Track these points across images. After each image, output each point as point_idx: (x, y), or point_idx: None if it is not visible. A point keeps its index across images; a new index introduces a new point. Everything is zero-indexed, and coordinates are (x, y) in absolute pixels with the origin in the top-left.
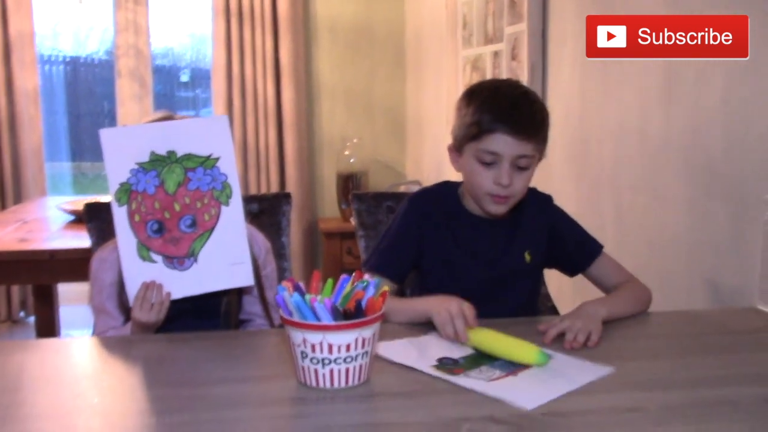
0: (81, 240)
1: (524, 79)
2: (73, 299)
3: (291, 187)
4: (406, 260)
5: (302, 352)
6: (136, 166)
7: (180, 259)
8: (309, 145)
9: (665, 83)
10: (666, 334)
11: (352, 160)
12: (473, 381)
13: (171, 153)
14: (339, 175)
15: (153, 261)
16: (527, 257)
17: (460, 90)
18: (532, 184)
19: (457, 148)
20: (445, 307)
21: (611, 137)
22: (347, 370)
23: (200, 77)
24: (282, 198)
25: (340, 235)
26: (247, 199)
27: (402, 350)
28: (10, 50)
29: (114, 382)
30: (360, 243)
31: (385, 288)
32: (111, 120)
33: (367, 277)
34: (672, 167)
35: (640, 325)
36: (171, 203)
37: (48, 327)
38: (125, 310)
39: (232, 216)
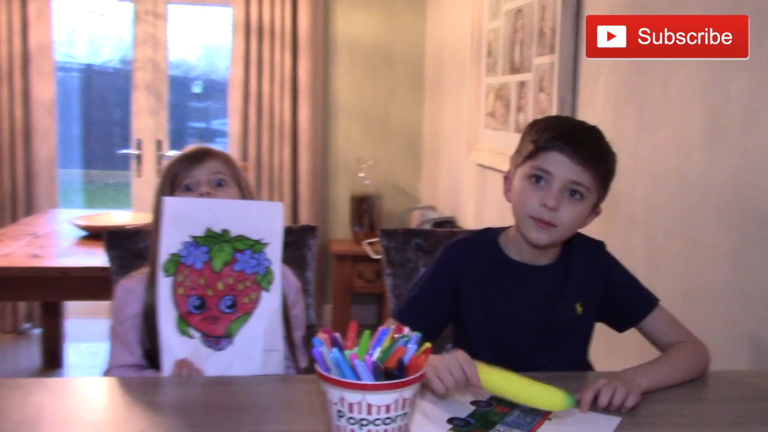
0: (94, 257)
1: (553, 112)
2: (82, 312)
3: (303, 206)
4: (437, 313)
5: (338, 411)
6: (189, 239)
7: (216, 339)
8: (323, 165)
9: (709, 122)
10: (715, 399)
11: (366, 182)
12: None
13: (225, 232)
14: (353, 197)
15: (191, 336)
16: (578, 308)
17: (481, 116)
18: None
19: (512, 172)
20: (435, 363)
21: (645, 179)
22: None
23: (213, 89)
24: (308, 231)
25: (352, 258)
26: None
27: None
28: (29, 61)
29: (131, 427)
30: (387, 281)
31: (428, 345)
32: (123, 129)
33: (407, 330)
34: (713, 213)
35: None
36: (215, 282)
37: (53, 340)
38: (145, 343)
39: (271, 303)
